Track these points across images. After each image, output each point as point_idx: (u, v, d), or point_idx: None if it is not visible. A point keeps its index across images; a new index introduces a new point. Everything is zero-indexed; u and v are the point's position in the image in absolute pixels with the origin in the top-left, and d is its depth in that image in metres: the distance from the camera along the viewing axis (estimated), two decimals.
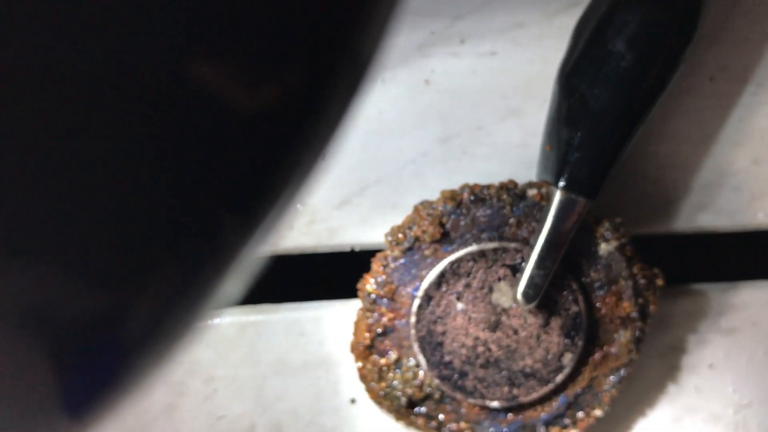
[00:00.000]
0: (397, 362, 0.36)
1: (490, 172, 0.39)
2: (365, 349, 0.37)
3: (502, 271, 0.36)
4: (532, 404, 0.36)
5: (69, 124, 0.12)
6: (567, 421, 0.36)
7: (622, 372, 0.36)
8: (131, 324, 0.15)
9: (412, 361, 0.36)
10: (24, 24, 0.11)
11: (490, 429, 0.36)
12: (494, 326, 0.36)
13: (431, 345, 0.36)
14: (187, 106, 0.13)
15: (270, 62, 0.14)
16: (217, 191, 0.14)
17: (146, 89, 0.13)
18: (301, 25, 0.14)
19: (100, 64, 0.12)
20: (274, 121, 0.14)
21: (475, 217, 0.36)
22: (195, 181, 0.14)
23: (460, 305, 0.36)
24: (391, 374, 0.36)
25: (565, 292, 0.36)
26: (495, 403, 0.36)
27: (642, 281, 0.36)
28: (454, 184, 0.37)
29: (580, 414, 0.36)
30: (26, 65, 0.12)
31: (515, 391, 0.36)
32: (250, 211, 0.15)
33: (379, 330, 0.36)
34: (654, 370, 0.40)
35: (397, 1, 0.15)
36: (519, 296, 0.35)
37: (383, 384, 0.37)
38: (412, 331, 0.36)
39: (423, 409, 0.37)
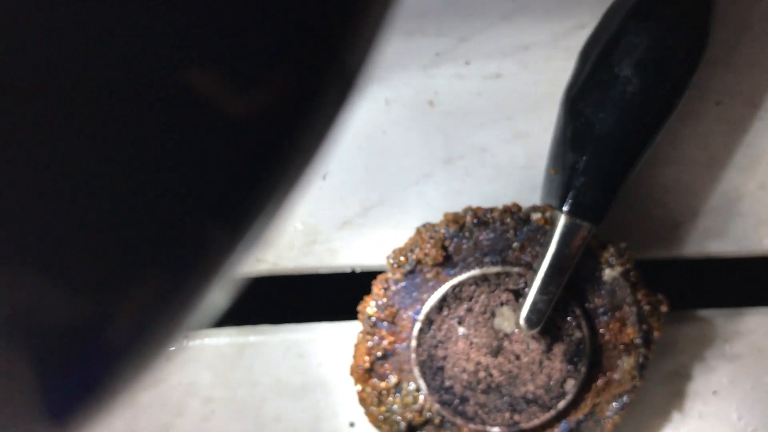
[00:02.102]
0: (397, 386, 0.36)
1: (493, 194, 0.39)
2: (365, 373, 0.36)
3: (504, 296, 0.35)
4: (534, 431, 0.36)
5: (54, 129, 0.12)
6: None
7: (625, 398, 0.36)
8: (114, 331, 0.14)
9: (412, 386, 0.36)
10: (19, 30, 0.12)
11: None
12: (496, 351, 0.35)
13: (432, 369, 0.35)
14: (176, 111, 0.13)
15: (259, 69, 0.14)
16: (203, 199, 0.14)
17: (135, 95, 0.13)
18: (291, 33, 0.14)
19: (90, 71, 0.12)
20: (261, 129, 0.14)
21: (478, 241, 0.35)
22: (181, 188, 0.14)
23: (461, 330, 0.35)
24: (390, 398, 0.36)
25: (568, 318, 0.35)
26: (496, 429, 0.35)
27: (646, 307, 0.35)
28: (458, 205, 0.37)
29: None
30: (24, 72, 0.12)
31: (516, 417, 0.35)
32: (235, 220, 0.15)
33: (380, 353, 0.36)
34: (657, 397, 0.39)
35: (387, 14, 0.15)
36: (522, 321, 0.34)
37: (383, 408, 0.36)
38: (413, 355, 0.35)
39: None
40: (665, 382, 0.39)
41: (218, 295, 0.16)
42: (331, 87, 0.15)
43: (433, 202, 0.39)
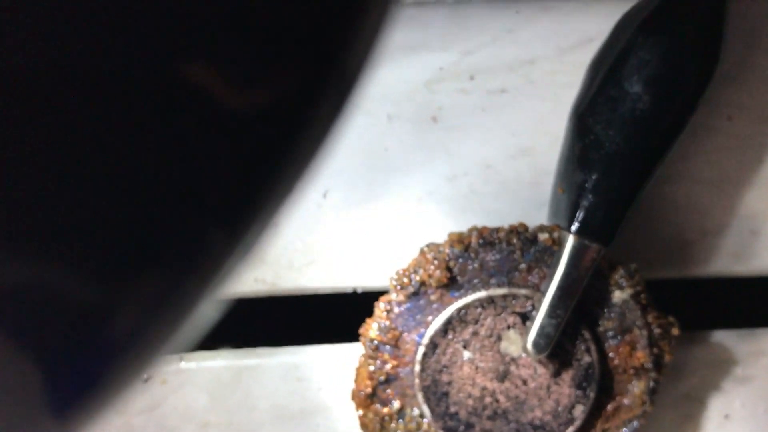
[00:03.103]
0: (400, 412, 0.35)
1: (498, 211, 0.38)
2: (367, 398, 0.35)
3: (511, 319, 0.34)
4: None
5: (61, 121, 0.12)
6: None
7: (635, 424, 0.35)
8: (116, 324, 0.15)
9: (415, 411, 0.35)
10: (20, 25, 0.12)
11: None
12: (502, 376, 0.34)
13: (436, 395, 0.34)
14: (174, 108, 0.13)
15: (259, 68, 0.14)
16: (200, 199, 0.14)
17: (139, 90, 0.13)
18: (291, 32, 0.14)
19: (94, 65, 0.12)
20: (261, 129, 0.14)
21: (483, 262, 0.34)
22: (179, 187, 0.14)
23: (467, 354, 0.34)
24: (393, 424, 0.35)
25: (577, 342, 0.34)
26: None
27: (657, 330, 0.34)
28: (462, 223, 0.36)
29: None
30: (23, 65, 0.12)
31: None
32: (234, 221, 0.15)
33: (382, 378, 0.35)
34: (668, 421, 0.38)
35: (387, 20, 0.15)
36: (529, 346, 0.33)
37: None
38: (417, 380, 0.34)
39: None
40: (676, 405, 0.38)
41: (213, 305, 0.16)
42: (332, 88, 0.15)
43: (437, 220, 0.38)
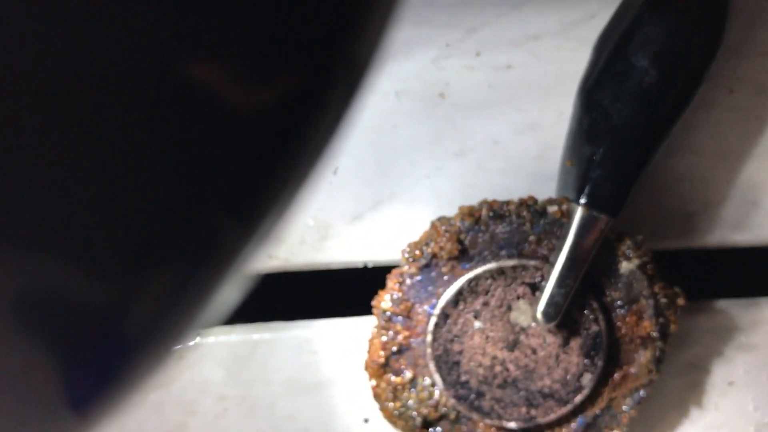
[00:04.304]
0: (413, 381, 0.36)
1: (506, 186, 0.38)
2: (380, 368, 0.36)
3: (521, 290, 0.35)
4: (550, 425, 0.36)
5: (70, 123, 0.12)
6: None
7: (642, 392, 0.36)
8: (131, 321, 0.15)
9: (427, 381, 0.36)
10: (26, 23, 0.12)
11: None
12: (512, 345, 0.35)
13: (448, 364, 0.35)
14: (185, 106, 0.13)
15: (268, 63, 0.14)
16: (215, 194, 0.14)
17: (144, 89, 0.13)
18: (298, 26, 0.14)
19: (102, 65, 0.12)
20: (272, 123, 0.14)
21: (494, 234, 0.35)
22: (193, 182, 0.14)
23: (477, 324, 0.35)
24: (405, 394, 0.36)
25: (585, 311, 0.35)
26: (512, 424, 0.35)
27: (663, 300, 0.35)
28: (470, 198, 0.36)
29: None
30: (32, 64, 0.12)
31: (533, 412, 0.35)
32: (247, 215, 0.15)
33: (395, 348, 0.36)
34: (673, 388, 0.39)
35: (395, 7, 0.15)
36: (539, 315, 0.34)
37: (398, 403, 0.36)
38: (428, 350, 0.35)
39: (438, 430, 0.36)
40: (681, 373, 0.39)
41: (230, 291, 0.16)
42: (340, 81, 0.15)
43: (445, 196, 0.38)
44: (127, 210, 0.14)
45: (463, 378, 0.35)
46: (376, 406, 0.37)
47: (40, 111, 0.12)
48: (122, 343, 0.15)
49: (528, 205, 0.35)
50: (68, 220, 0.13)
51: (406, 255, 0.35)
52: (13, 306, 0.14)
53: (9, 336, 0.14)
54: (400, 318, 0.35)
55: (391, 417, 0.36)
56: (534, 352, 0.35)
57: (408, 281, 0.35)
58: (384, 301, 0.36)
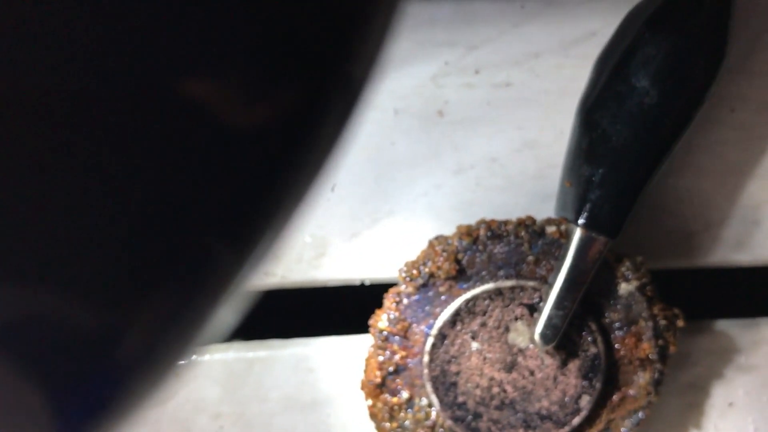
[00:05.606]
0: (409, 402, 0.35)
1: (504, 204, 0.38)
2: (376, 388, 0.35)
3: (519, 311, 0.34)
4: None
5: (66, 142, 0.12)
6: None
7: (641, 414, 0.35)
8: (124, 347, 0.14)
9: (424, 401, 0.35)
10: (21, 40, 0.12)
11: None
12: (510, 367, 0.35)
13: (445, 385, 0.35)
14: (184, 122, 0.13)
15: (265, 80, 0.14)
16: (210, 215, 0.14)
17: (142, 107, 0.13)
18: (296, 44, 0.14)
19: (97, 83, 0.12)
20: (269, 140, 0.14)
21: (492, 254, 0.35)
22: (188, 203, 0.14)
23: (475, 345, 0.35)
24: (402, 414, 0.35)
25: (583, 333, 0.34)
26: None
27: (662, 322, 0.35)
28: (468, 217, 0.36)
29: None
30: (26, 82, 0.12)
31: None
32: (243, 235, 0.15)
33: (391, 368, 0.35)
34: (672, 409, 0.39)
35: (392, 26, 0.15)
36: (536, 337, 0.34)
37: (394, 424, 0.35)
38: (425, 371, 0.35)
39: None
40: (680, 394, 0.39)
41: (227, 312, 0.16)
42: (338, 98, 0.15)
43: (443, 214, 0.38)
44: (119, 236, 0.13)
45: (460, 399, 0.35)
46: (372, 425, 0.36)
47: (32, 132, 0.12)
48: (116, 370, 0.15)
49: (526, 225, 0.35)
50: (60, 246, 0.13)
51: (404, 274, 0.35)
52: (4, 334, 0.13)
53: (1, 365, 0.14)
54: (396, 338, 0.35)
55: None
56: (532, 373, 0.35)
57: (405, 301, 0.35)
58: (381, 320, 0.35)
